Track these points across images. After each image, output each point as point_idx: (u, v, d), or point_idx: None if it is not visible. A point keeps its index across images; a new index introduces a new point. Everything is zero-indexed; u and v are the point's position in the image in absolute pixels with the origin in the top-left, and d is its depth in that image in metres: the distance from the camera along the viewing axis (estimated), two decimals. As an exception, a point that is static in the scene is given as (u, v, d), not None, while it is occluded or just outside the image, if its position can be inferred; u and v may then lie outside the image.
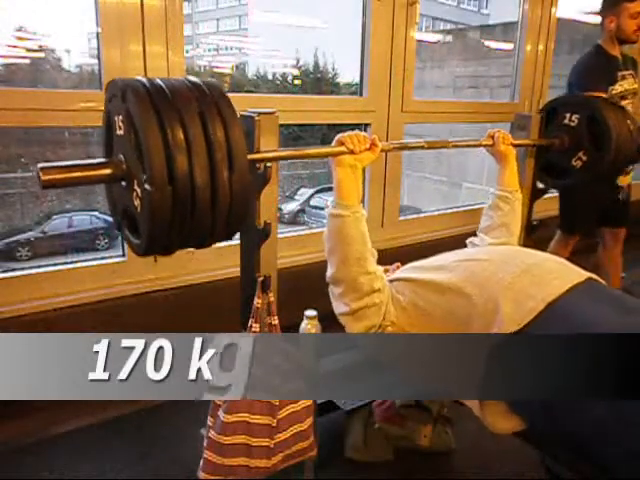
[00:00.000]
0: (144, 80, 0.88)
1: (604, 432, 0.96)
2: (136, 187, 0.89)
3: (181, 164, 0.83)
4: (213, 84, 0.93)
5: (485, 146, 1.65)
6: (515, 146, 1.67)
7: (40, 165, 0.85)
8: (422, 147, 1.49)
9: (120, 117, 0.90)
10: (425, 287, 1.23)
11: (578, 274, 1.17)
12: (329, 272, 1.29)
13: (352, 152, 1.25)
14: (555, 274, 1.15)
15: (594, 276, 1.20)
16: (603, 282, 1.22)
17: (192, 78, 0.93)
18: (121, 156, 0.93)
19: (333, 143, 1.28)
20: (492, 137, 1.63)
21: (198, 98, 0.88)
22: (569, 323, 1.05)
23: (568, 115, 1.86)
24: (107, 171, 0.93)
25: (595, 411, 0.96)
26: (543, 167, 1.96)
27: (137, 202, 0.89)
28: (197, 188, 0.85)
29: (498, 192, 1.61)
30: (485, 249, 1.39)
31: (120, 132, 0.92)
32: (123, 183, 0.94)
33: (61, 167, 0.88)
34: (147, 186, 0.83)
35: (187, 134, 0.84)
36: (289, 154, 1.25)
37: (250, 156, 1.05)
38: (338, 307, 1.29)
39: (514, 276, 1.14)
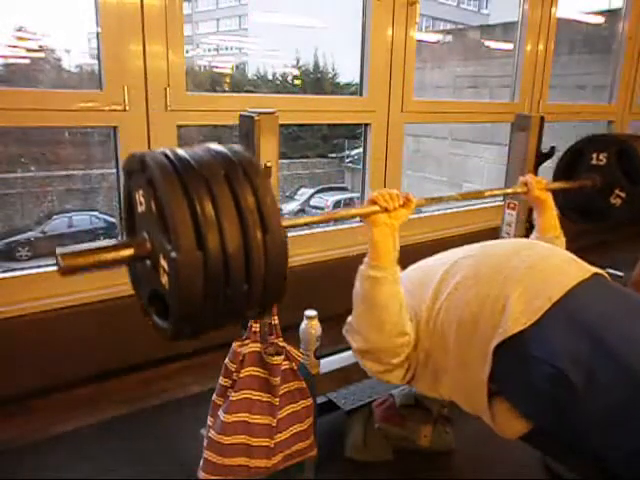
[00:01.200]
0: (165, 150, 0.82)
1: (613, 428, 0.96)
2: (162, 261, 0.80)
3: (211, 230, 0.76)
4: (237, 148, 0.86)
5: (519, 194, 1.59)
6: (551, 190, 1.59)
7: (59, 251, 0.78)
8: (456, 199, 1.46)
9: (141, 191, 0.84)
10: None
11: (584, 270, 1.16)
12: (358, 343, 1.23)
13: (386, 210, 1.19)
14: (560, 270, 1.14)
15: (600, 271, 1.19)
16: (609, 278, 1.21)
17: (214, 145, 0.87)
18: (144, 234, 0.86)
19: (365, 203, 1.24)
20: (525, 184, 1.55)
21: (223, 163, 0.81)
22: (574, 323, 1.04)
23: (595, 155, 1.80)
24: (130, 251, 0.85)
25: (604, 407, 0.96)
26: (576, 210, 1.89)
27: (164, 279, 0.80)
28: (229, 252, 0.76)
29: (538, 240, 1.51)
30: (489, 244, 1.36)
31: (141, 208, 0.85)
32: (148, 262, 0.86)
33: (81, 251, 0.81)
34: (173, 254, 0.75)
35: (215, 201, 0.77)
36: (318, 219, 1.19)
37: (284, 222, 0.96)
38: (370, 366, 1.25)
39: (519, 273, 1.13)
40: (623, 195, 1.75)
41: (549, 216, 1.54)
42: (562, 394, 1.00)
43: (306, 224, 1.16)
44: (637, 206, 1.74)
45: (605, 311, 1.07)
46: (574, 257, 1.22)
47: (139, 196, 0.85)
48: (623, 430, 0.95)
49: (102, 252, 0.82)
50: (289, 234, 2.47)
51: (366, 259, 1.21)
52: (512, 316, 1.06)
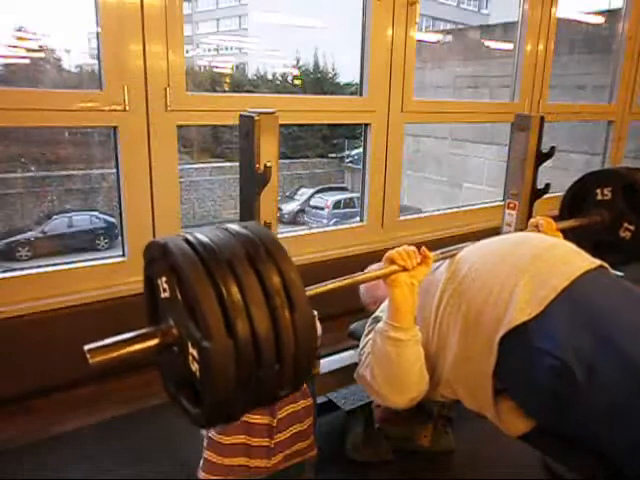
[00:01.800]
0: (185, 235, 0.82)
1: (614, 421, 0.96)
2: (192, 350, 0.79)
3: (240, 316, 0.75)
4: (256, 227, 0.87)
5: None
6: (562, 230, 1.58)
7: (86, 347, 0.78)
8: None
9: (164, 278, 0.83)
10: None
11: (589, 261, 1.16)
12: (379, 401, 1.25)
13: (405, 269, 1.17)
14: (564, 260, 1.14)
15: (605, 264, 1.19)
16: (613, 271, 1.21)
17: (233, 225, 0.86)
18: (170, 321, 0.84)
19: (382, 263, 1.22)
20: (536, 227, 1.53)
21: (245, 244, 0.81)
22: (578, 314, 1.04)
23: (599, 191, 1.82)
24: (156, 341, 0.83)
25: (605, 400, 0.96)
26: (588, 244, 1.91)
27: (195, 366, 0.79)
28: (259, 335, 0.76)
29: None
30: (495, 239, 1.35)
31: (165, 295, 0.84)
32: (175, 349, 0.85)
33: (107, 345, 0.80)
34: (205, 343, 0.74)
35: (241, 285, 0.77)
36: (340, 284, 1.15)
37: (308, 292, 0.97)
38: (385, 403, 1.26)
39: (525, 263, 1.13)
40: (632, 228, 1.77)
41: None
42: (564, 387, 0.99)
43: (330, 290, 1.12)
44: None
45: (608, 303, 1.07)
46: (579, 250, 1.22)
47: (162, 282, 0.84)
48: (625, 424, 0.95)
49: (128, 344, 0.82)
50: (289, 235, 2.45)
51: (385, 318, 1.19)
52: (518, 305, 1.06)
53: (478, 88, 6.33)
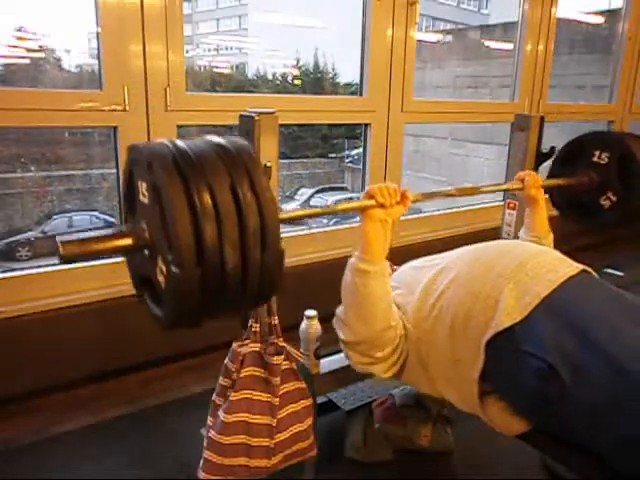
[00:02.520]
0: (169, 145, 0.82)
1: (600, 419, 0.98)
2: (161, 263, 0.82)
3: (211, 241, 0.77)
4: (240, 144, 0.87)
5: (515, 190, 1.59)
6: (547, 186, 1.60)
7: (59, 239, 0.81)
8: (452, 194, 1.46)
9: (144, 185, 0.85)
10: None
11: (572, 267, 1.18)
12: (346, 335, 1.23)
13: (382, 206, 1.19)
14: (548, 267, 1.16)
15: (588, 269, 1.21)
16: (596, 275, 1.23)
17: (217, 138, 0.87)
18: (144, 224, 0.87)
19: (362, 196, 1.23)
20: (522, 180, 1.54)
21: (226, 163, 0.82)
22: (561, 318, 1.06)
23: (597, 153, 1.79)
24: (128, 241, 0.87)
25: (591, 399, 0.98)
26: (565, 200, 1.89)
27: (161, 278, 0.83)
28: (228, 269, 0.79)
29: (528, 238, 1.53)
30: (481, 245, 1.37)
31: (144, 200, 0.86)
32: (146, 252, 0.88)
33: (80, 240, 0.83)
34: (174, 269, 0.77)
35: (219, 214, 0.78)
36: (313, 212, 1.20)
37: (281, 216, 0.99)
38: (355, 358, 1.25)
39: (510, 271, 1.15)
40: (614, 199, 1.75)
41: (540, 215, 1.55)
42: (550, 387, 1.01)
43: (305, 216, 1.17)
44: (625, 212, 1.75)
45: (590, 306, 1.09)
46: (564, 256, 1.24)
47: (142, 187, 0.86)
48: (608, 422, 0.97)
49: (101, 241, 0.85)
50: (289, 235, 2.45)
51: (357, 252, 1.21)
52: (505, 311, 1.08)
53: (478, 88, 6.33)
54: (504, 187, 1.66)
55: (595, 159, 1.79)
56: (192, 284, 0.77)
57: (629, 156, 1.73)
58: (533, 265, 1.16)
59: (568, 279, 1.12)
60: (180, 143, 0.83)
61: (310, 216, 1.19)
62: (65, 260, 0.81)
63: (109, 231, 0.87)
